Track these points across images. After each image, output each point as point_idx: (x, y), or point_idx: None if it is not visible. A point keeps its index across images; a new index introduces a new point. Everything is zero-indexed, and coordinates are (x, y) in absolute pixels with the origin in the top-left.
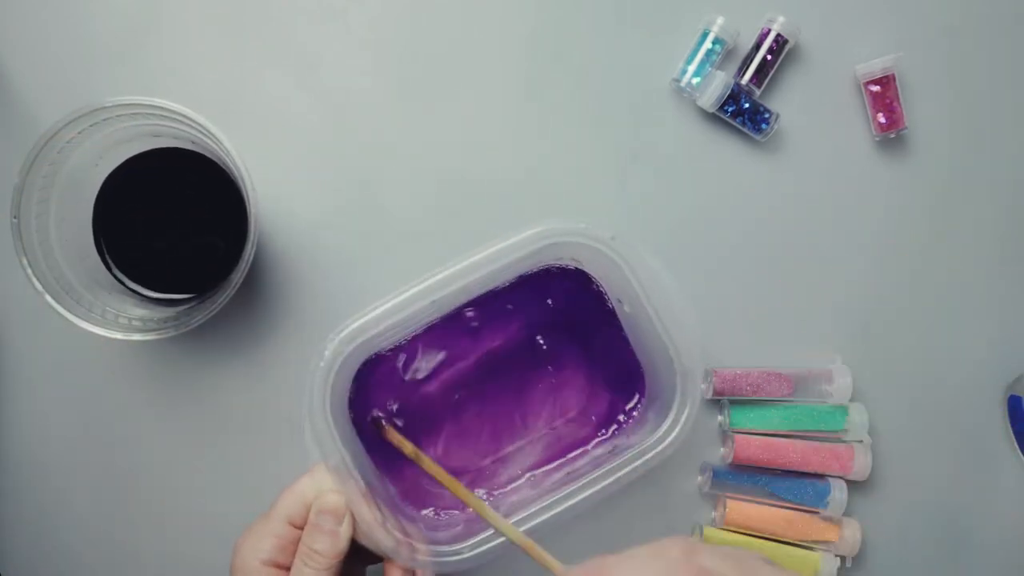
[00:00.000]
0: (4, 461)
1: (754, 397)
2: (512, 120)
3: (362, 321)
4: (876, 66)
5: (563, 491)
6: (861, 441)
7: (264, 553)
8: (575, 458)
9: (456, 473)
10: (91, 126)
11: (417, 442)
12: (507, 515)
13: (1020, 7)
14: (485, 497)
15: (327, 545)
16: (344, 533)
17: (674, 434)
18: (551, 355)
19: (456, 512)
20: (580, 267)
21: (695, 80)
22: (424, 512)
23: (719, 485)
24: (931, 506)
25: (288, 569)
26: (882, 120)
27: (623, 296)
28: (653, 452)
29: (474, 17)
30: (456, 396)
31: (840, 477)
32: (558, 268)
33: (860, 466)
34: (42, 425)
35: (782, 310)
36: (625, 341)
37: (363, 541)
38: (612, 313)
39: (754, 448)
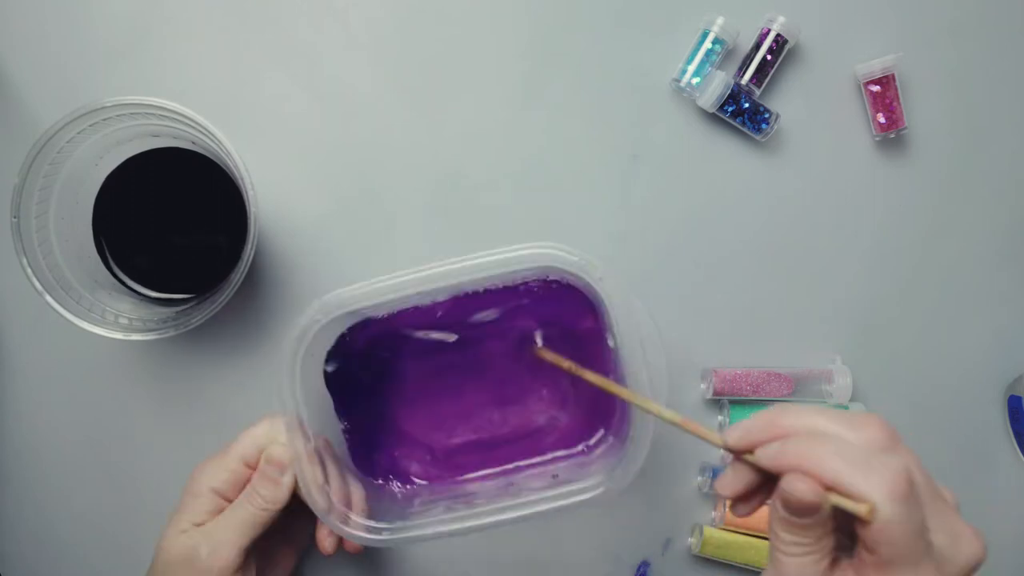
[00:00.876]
0: (4, 461)
1: (754, 397)
2: (512, 120)
3: (349, 292)
4: (876, 66)
5: (503, 502)
6: None
7: (216, 483)
8: (518, 470)
9: (414, 441)
10: (91, 126)
11: (387, 401)
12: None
13: (1021, 7)
14: (439, 477)
15: (269, 491)
16: (286, 483)
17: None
18: (539, 363)
19: (416, 485)
20: (582, 286)
21: (695, 80)
22: (378, 481)
23: None
24: None
25: (231, 502)
26: (882, 120)
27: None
28: (602, 488)
29: (474, 17)
30: (437, 372)
31: None
32: (562, 281)
33: None
34: (42, 425)
35: (782, 310)
36: (608, 370)
37: (303, 497)
38: (604, 339)
39: None
